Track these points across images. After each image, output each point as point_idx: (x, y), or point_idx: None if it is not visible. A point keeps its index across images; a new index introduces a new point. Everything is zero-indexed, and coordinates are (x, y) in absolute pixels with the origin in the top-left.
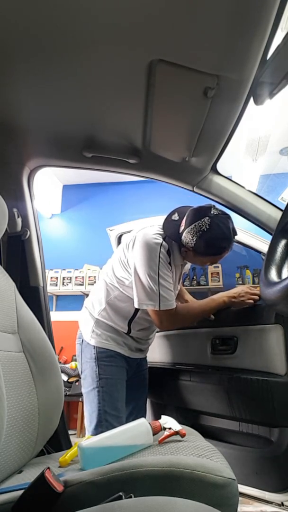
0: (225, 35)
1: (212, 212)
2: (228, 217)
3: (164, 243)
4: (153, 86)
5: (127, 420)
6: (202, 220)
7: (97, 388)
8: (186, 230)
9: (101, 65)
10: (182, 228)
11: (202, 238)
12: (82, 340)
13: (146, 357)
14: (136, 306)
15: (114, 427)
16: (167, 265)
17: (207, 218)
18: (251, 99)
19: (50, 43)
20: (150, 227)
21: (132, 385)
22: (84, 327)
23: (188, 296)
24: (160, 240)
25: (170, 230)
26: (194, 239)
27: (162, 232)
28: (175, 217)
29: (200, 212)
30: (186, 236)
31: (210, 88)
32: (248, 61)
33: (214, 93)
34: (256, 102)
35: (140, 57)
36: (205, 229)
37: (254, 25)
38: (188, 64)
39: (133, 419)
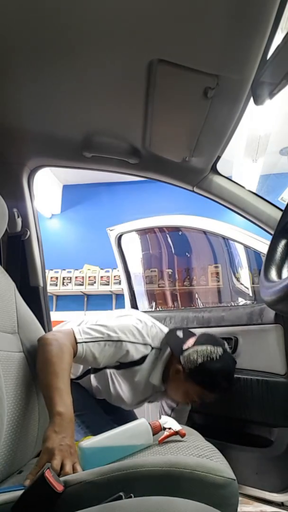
0: (225, 35)
1: (226, 347)
2: (236, 363)
3: (143, 348)
4: (153, 86)
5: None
6: (216, 348)
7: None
8: (194, 349)
9: (101, 65)
10: (188, 345)
11: (207, 364)
12: None
13: None
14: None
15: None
16: (122, 356)
17: (221, 349)
18: (251, 99)
19: (50, 43)
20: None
21: None
22: None
23: None
24: (148, 341)
25: (174, 342)
26: (198, 362)
27: (154, 340)
28: (180, 334)
29: (215, 340)
30: (191, 355)
31: (210, 88)
32: (248, 61)
33: (214, 93)
34: (256, 102)
35: (140, 57)
36: (214, 358)
37: (254, 25)
38: (188, 64)
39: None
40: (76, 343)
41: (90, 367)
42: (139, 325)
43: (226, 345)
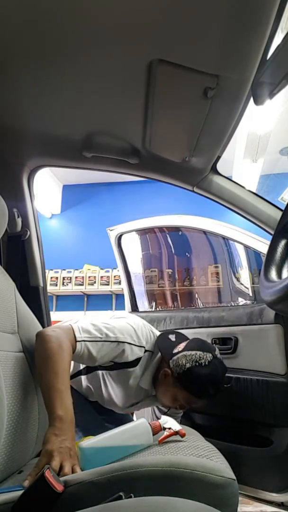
0: (225, 35)
1: (216, 353)
2: (226, 370)
3: (138, 350)
4: (153, 86)
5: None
6: (205, 353)
7: None
8: (183, 353)
9: (101, 65)
10: (178, 350)
11: (195, 370)
12: None
13: None
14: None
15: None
16: (117, 357)
17: (211, 355)
18: (251, 99)
19: (50, 43)
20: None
21: None
22: None
23: None
24: (144, 343)
25: (165, 345)
26: (186, 367)
27: (149, 344)
28: (172, 337)
29: (206, 346)
30: (180, 359)
31: (210, 88)
32: (248, 61)
33: (214, 93)
34: (256, 102)
35: (140, 57)
36: (203, 364)
37: (254, 25)
38: (188, 64)
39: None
40: (76, 341)
41: (81, 368)
42: (135, 327)
43: (217, 351)
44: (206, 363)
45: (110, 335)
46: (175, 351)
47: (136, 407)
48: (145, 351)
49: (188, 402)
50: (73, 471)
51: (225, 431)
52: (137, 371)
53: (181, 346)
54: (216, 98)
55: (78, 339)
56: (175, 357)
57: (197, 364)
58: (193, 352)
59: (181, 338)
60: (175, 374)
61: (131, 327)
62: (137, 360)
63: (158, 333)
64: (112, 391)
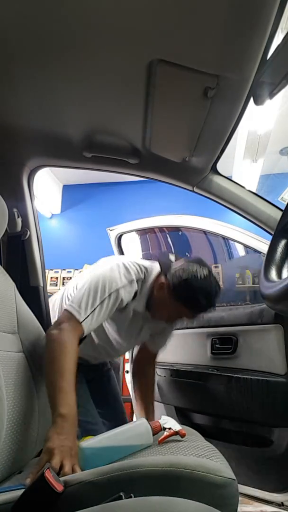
0: (225, 35)
1: (213, 272)
2: (220, 288)
3: (131, 287)
4: (153, 86)
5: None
6: (202, 268)
7: None
8: (181, 266)
9: (101, 65)
10: (177, 264)
11: (191, 281)
12: None
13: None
14: (64, 306)
15: (88, 429)
16: (118, 303)
17: (207, 270)
18: (251, 99)
19: (50, 43)
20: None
21: (98, 387)
22: None
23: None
24: (129, 281)
25: (164, 261)
26: (183, 277)
27: (138, 273)
28: (172, 258)
29: (203, 263)
30: (178, 271)
31: (210, 88)
32: (248, 61)
33: (214, 93)
34: (256, 102)
35: (140, 57)
36: (199, 277)
37: (254, 25)
38: (188, 64)
39: (109, 423)
40: (80, 323)
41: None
42: (117, 268)
43: (213, 272)
44: (202, 276)
45: (105, 294)
46: (174, 266)
47: (138, 339)
48: (137, 281)
49: (180, 314)
50: (73, 471)
51: (225, 431)
52: (135, 301)
53: (179, 262)
54: (216, 98)
55: (81, 320)
56: (172, 270)
57: (193, 276)
58: (191, 265)
59: (179, 259)
60: (171, 286)
61: (114, 269)
62: (135, 294)
63: (148, 262)
64: (115, 330)
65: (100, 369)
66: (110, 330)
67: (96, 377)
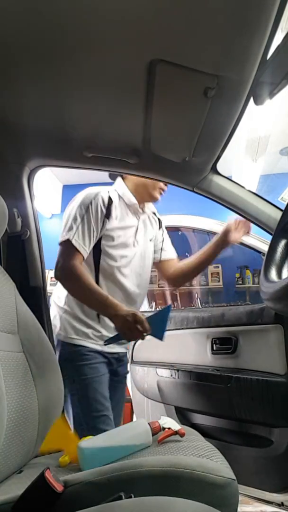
0: (225, 35)
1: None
2: None
3: (102, 193)
4: (153, 86)
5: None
6: None
7: (72, 393)
8: None
9: (101, 65)
10: None
11: None
12: (57, 340)
13: (126, 354)
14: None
15: (98, 429)
16: (99, 211)
17: None
18: (251, 99)
19: (50, 43)
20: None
21: (113, 386)
22: (55, 324)
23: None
24: (97, 191)
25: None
26: None
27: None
28: None
29: None
30: None
31: (210, 88)
32: (248, 61)
33: (214, 93)
34: (256, 102)
35: (140, 57)
36: None
37: (254, 25)
38: (188, 64)
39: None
40: (77, 250)
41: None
42: (85, 193)
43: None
44: None
45: (81, 211)
46: None
47: (146, 261)
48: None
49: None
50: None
51: (225, 431)
52: (116, 203)
53: None
54: (216, 98)
55: (70, 239)
56: None
57: None
58: None
59: None
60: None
61: (79, 197)
62: (109, 200)
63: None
64: (123, 264)
65: (118, 366)
66: (119, 274)
67: (112, 372)
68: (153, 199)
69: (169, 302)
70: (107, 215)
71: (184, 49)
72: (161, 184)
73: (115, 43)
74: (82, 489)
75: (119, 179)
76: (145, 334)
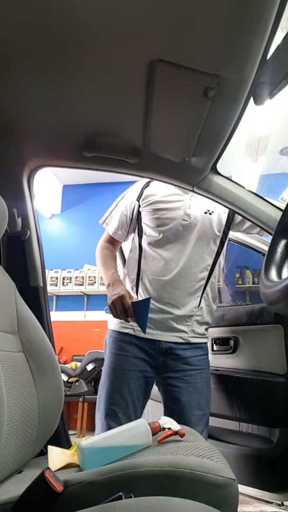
0: (225, 35)
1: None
2: None
3: (140, 181)
4: (153, 86)
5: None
6: None
7: (101, 384)
8: None
9: (101, 65)
10: None
11: None
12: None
13: (200, 344)
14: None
15: (103, 421)
16: (133, 192)
17: None
18: (251, 99)
19: (50, 43)
20: None
21: (168, 385)
22: None
23: None
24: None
25: None
26: None
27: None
28: None
29: None
30: None
31: (210, 88)
32: (248, 61)
33: (214, 93)
34: (256, 102)
35: (140, 57)
36: None
37: (254, 25)
38: (188, 64)
39: None
40: (106, 230)
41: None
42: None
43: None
44: None
45: (117, 199)
46: None
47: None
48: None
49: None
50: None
51: (225, 431)
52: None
53: None
54: (216, 98)
55: (101, 223)
56: None
57: None
58: None
59: None
60: None
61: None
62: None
63: None
64: (163, 243)
65: (170, 355)
66: (156, 251)
67: (159, 367)
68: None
69: None
70: (143, 189)
71: (184, 49)
72: None
73: (115, 43)
74: (82, 489)
75: None
76: (129, 318)
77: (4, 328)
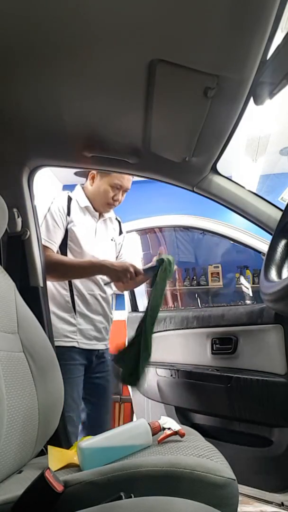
0: (225, 35)
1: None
2: None
3: (62, 195)
4: (153, 86)
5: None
6: None
7: None
8: None
9: (101, 65)
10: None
11: None
12: None
13: (107, 351)
14: None
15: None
16: (61, 209)
17: None
18: (251, 99)
19: (50, 43)
20: None
21: (94, 383)
22: None
23: None
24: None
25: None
26: None
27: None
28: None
29: None
30: None
31: (210, 88)
32: (248, 61)
33: (214, 93)
34: (256, 102)
35: (140, 57)
36: None
37: (254, 25)
38: (188, 64)
39: (91, 423)
40: (46, 246)
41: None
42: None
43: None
44: None
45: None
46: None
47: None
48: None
49: (115, 186)
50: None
51: (225, 431)
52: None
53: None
54: (216, 98)
55: (45, 244)
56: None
57: None
58: None
59: None
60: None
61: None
62: (68, 199)
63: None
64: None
65: (99, 363)
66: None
67: (91, 370)
68: (105, 210)
69: (170, 301)
70: (68, 212)
71: (184, 49)
72: (117, 197)
73: (115, 43)
74: (82, 489)
75: (78, 187)
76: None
77: (4, 328)
